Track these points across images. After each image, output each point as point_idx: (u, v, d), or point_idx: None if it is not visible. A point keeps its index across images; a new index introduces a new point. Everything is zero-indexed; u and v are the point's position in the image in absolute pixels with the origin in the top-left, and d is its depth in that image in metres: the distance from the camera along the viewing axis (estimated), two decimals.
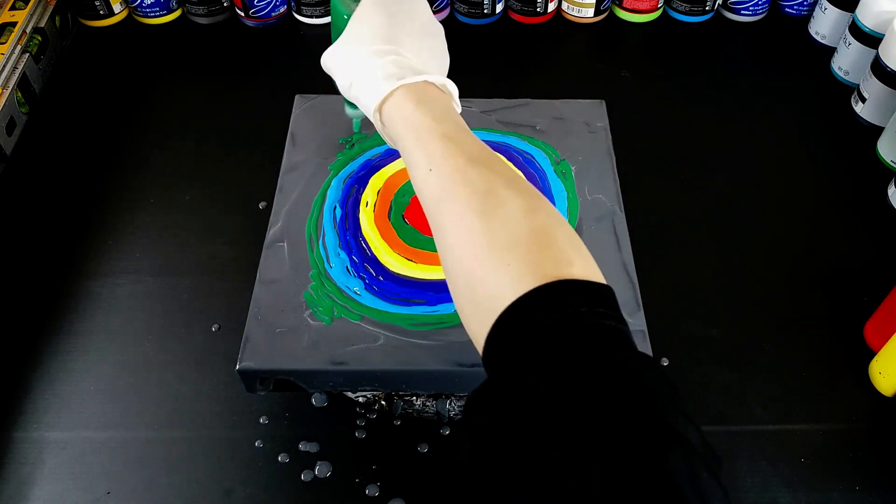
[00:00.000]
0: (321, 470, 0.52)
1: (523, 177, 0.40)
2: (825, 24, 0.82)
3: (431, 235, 0.54)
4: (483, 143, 0.43)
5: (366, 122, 0.55)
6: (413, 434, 0.53)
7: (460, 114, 0.45)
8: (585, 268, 0.37)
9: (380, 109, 0.45)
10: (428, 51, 0.48)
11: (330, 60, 0.49)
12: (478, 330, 0.37)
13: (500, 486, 0.29)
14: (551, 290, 0.34)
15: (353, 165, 0.59)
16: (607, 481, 0.26)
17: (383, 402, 0.54)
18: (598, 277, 0.37)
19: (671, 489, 0.26)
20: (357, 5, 0.49)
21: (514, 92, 0.66)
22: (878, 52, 0.71)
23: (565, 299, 0.34)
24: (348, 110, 0.57)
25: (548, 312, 0.34)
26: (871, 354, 0.57)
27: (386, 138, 0.47)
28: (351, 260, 0.53)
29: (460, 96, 0.64)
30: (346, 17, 0.50)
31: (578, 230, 0.55)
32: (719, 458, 0.30)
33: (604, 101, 0.65)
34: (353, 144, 0.61)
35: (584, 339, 0.33)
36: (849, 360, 0.58)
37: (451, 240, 0.39)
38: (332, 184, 0.58)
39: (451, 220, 0.39)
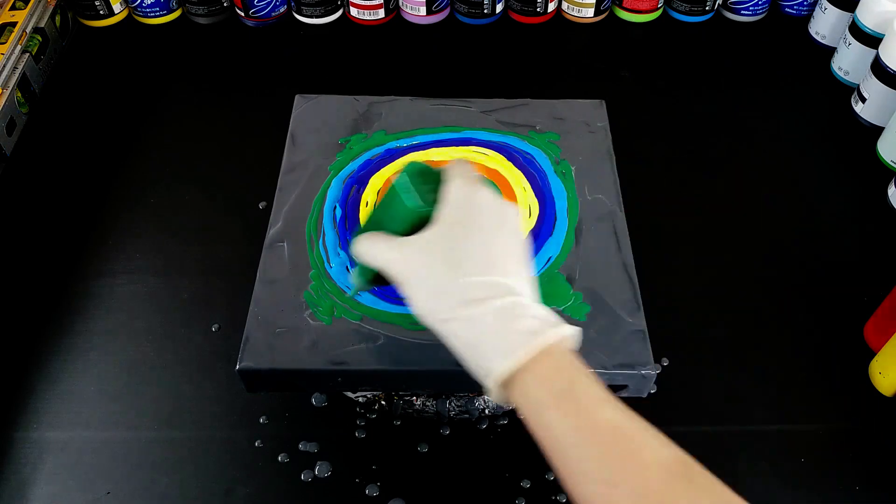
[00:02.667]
0: (321, 470, 0.52)
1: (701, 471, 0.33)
2: (825, 24, 0.82)
3: None
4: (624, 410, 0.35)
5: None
6: (413, 434, 0.53)
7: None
8: None
9: (506, 381, 0.36)
10: (530, 277, 0.40)
11: (402, 270, 0.39)
12: None
13: None
14: None
15: (353, 165, 0.59)
16: None
17: (383, 402, 0.54)
18: None
19: None
20: (435, 198, 0.40)
21: (514, 92, 0.66)
22: (878, 52, 0.71)
23: None
24: (357, 279, 0.46)
25: None
26: (871, 354, 0.57)
27: (497, 399, 0.37)
28: (351, 260, 0.53)
29: (461, 96, 0.64)
30: (417, 209, 0.40)
31: (578, 230, 0.55)
32: None
33: (604, 101, 0.65)
34: (352, 147, 0.61)
35: None
36: (849, 360, 0.58)
37: None
38: (332, 184, 0.58)
39: None
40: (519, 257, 0.39)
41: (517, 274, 0.38)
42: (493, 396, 0.37)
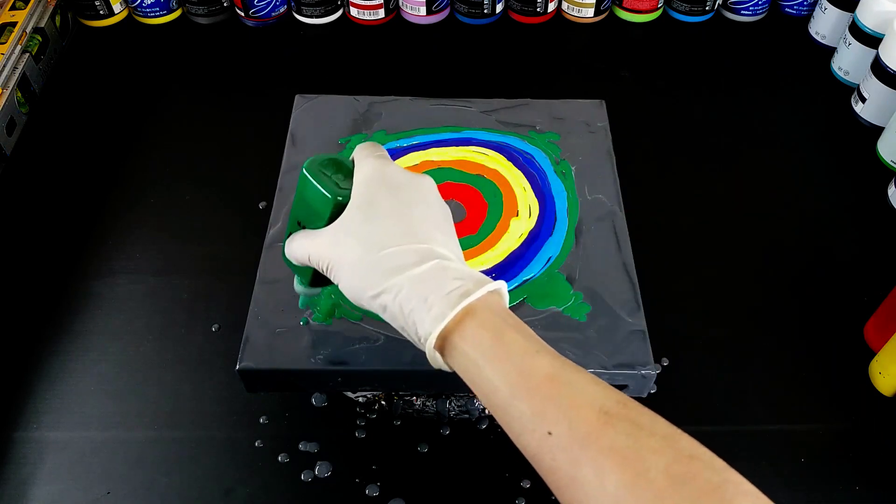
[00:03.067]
0: (321, 470, 0.52)
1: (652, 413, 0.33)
2: (825, 24, 0.82)
3: None
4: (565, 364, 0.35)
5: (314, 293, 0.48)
6: (413, 434, 0.53)
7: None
8: None
9: (442, 336, 0.36)
10: (453, 240, 0.40)
11: (335, 260, 0.39)
12: None
13: None
14: None
15: None
16: None
17: (383, 402, 0.54)
18: None
19: None
20: (349, 184, 0.41)
21: (514, 92, 0.66)
22: (878, 52, 0.71)
23: None
24: (298, 286, 0.47)
25: None
26: (871, 354, 0.57)
27: (437, 365, 0.38)
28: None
29: (461, 96, 0.64)
30: (332, 198, 0.40)
31: (578, 230, 0.55)
32: None
33: (604, 101, 0.65)
34: (352, 147, 0.61)
35: None
36: (849, 360, 0.58)
37: (590, 498, 0.31)
38: None
39: (586, 477, 0.31)
40: (437, 223, 0.40)
41: (435, 239, 0.38)
42: (432, 363, 0.37)
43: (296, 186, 0.42)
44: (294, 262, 0.43)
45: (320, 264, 0.40)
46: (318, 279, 0.44)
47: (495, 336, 0.35)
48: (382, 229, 0.38)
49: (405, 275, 0.37)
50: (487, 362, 0.35)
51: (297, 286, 0.47)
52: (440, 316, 0.35)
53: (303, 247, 0.41)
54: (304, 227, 0.43)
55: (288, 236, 0.43)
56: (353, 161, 0.42)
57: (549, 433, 0.32)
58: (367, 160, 0.41)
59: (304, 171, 0.41)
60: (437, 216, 0.40)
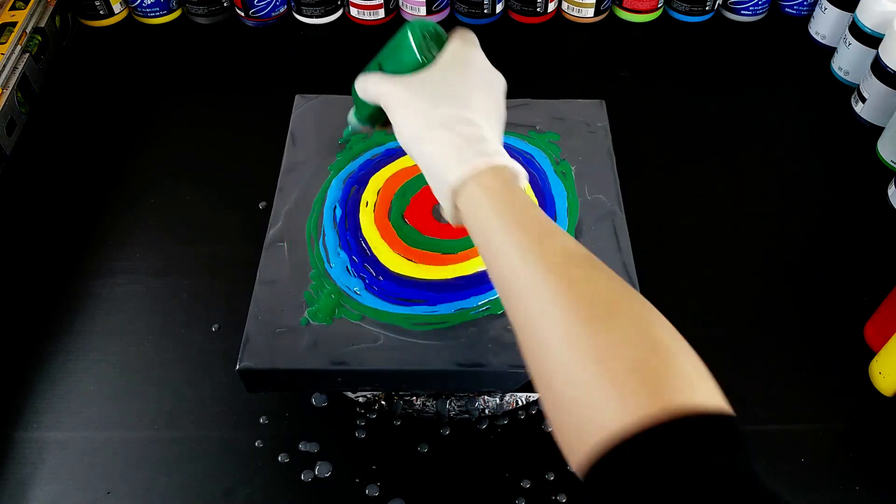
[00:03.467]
0: (321, 470, 0.52)
1: (621, 279, 0.37)
2: (825, 24, 0.82)
3: (431, 235, 0.54)
4: (568, 234, 0.40)
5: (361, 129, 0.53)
6: (413, 434, 0.53)
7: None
8: (709, 393, 0.32)
9: (457, 189, 0.41)
10: (499, 128, 0.46)
11: (399, 100, 0.45)
12: (575, 444, 0.33)
13: None
14: (677, 426, 0.30)
15: (353, 165, 0.59)
16: None
17: (383, 402, 0.54)
18: (722, 403, 0.33)
19: None
20: (436, 53, 0.46)
21: (514, 92, 0.66)
22: (878, 52, 0.71)
23: (692, 439, 0.30)
24: (353, 118, 0.52)
25: (674, 453, 0.30)
26: (871, 354, 0.57)
27: (451, 219, 0.43)
28: (351, 260, 0.53)
29: None
30: (419, 59, 0.46)
31: (578, 230, 0.55)
32: None
33: (604, 101, 0.65)
34: (352, 147, 0.61)
35: (715, 487, 0.29)
36: (849, 360, 0.58)
37: (552, 347, 0.34)
38: (332, 184, 0.58)
39: (551, 325, 0.35)
40: (492, 110, 0.45)
41: (486, 120, 0.44)
42: (447, 213, 0.43)
43: (387, 45, 0.48)
44: (362, 97, 0.48)
45: (387, 102, 0.46)
46: (373, 118, 0.50)
47: (508, 189, 0.40)
48: (448, 94, 0.44)
49: (451, 132, 0.42)
50: (492, 206, 0.40)
51: (352, 117, 0.52)
52: (464, 163, 0.41)
53: (378, 84, 0.46)
54: (383, 71, 0.47)
55: (365, 72, 0.48)
56: (448, 37, 0.48)
57: (525, 261, 0.37)
58: (460, 41, 0.47)
59: (408, 30, 0.46)
60: (493, 106, 0.46)
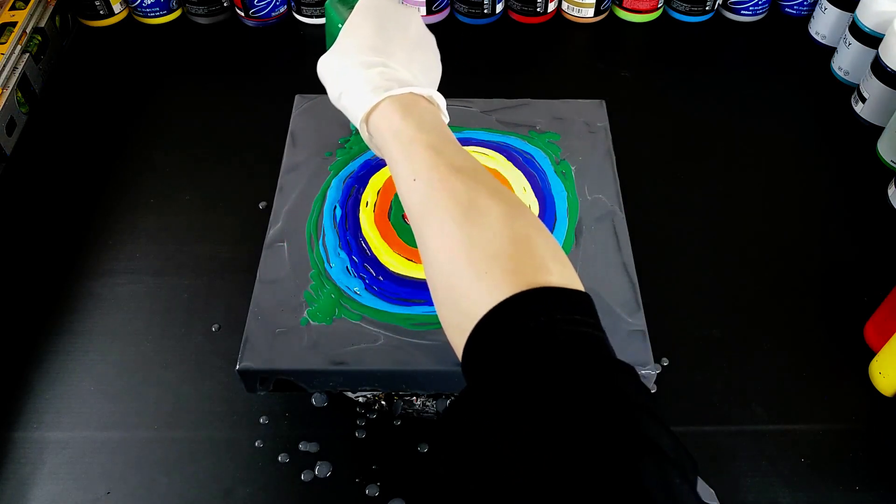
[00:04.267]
0: (321, 470, 0.52)
1: (506, 188, 0.41)
2: (825, 24, 0.82)
3: None
4: (469, 153, 0.43)
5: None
6: (413, 434, 0.53)
7: (456, 124, 0.47)
8: (563, 275, 0.37)
9: (367, 120, 0.46)
10: (418, 63, 0.49)
11: (322, 69, 0.50)
12: (457, 338, 0.37)
13: (478, 495, 0.30)
14: (527, 297, 0.34)
15: (353, 165, 0.59)
16: (581, 489, 0.27)
17: (383, 402, 0.54)
18: (577, 285, 0.37)
19: (643, 496, 0.27)
20: (349, 14, 0.50)
21: (514, 92, 0.66)
22: (878, 52, 0.71)
23: (541, 307, 0.34)
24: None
25: (524, 320, 0.34)
26: (871, 354, 0.57)
27: (373, 148, 0.48)
28: (351, 260, 0.53)
29: (461, 96, 0.64)
30: (339, 25, 0.50)
31: (578, 230, 0.55)
32: (695, 464, 0.31)
33: (604, 101, 0.65)
34: (352, 147, 0.61)
35: (559, 348, 0.33)
36: (849, 360, 0.58)
37: (433, 249, 0.39)
38: (332, 184, 0.58)
39: (433, 229, 0.39)
40: (404, 46, 0.49)
41: (396, 57, 0.47)
42: (365, 139, 0.47)
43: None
44: (321, 80, 0.51)
45: (325, 77, 0.49)
46: None
47: (404, 114, 0.44)
48: (355, 44, 0.48)
49: (359, 76, 0.46)
50: (394, 134, 0.43)
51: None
52: (369, 101, 0.45)
53: (322, 63, 0.50)
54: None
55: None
56: None
57: (415, 177, 0.41)
58: None
59: (326, 5, 0.53)
60: (408, 41, 0.49)
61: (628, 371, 0.34)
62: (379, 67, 0.46)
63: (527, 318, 0.34)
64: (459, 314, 0.37)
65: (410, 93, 0.45)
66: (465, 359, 0.36)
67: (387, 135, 0.44)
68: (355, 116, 0.46)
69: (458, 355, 0.37)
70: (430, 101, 0.46)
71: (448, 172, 0.41)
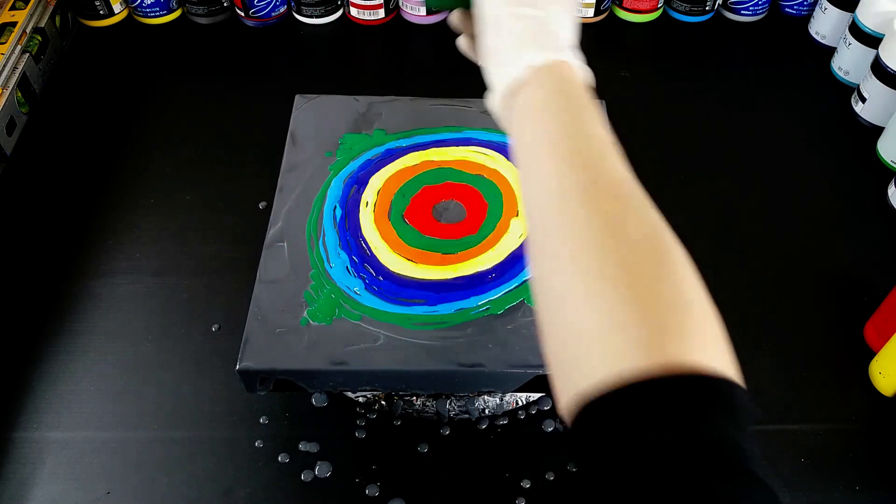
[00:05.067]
0: (321, 470, 0.52)
1: (663, 222, 0.35)
2: (825, 24, 0.82)
3: (431, 235, 0.54)
4: (620, 157, 0.38)
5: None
6: (413, 434, 0.53)
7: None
8: (717, 356, 0.31)
9: (510, 90, 0.38)
10: (568, 14, 0.41)
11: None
12: (564, 382, 0.32)
13: None
14: (668, 383, 0.28)
15: (353, 165, 0.59)
16: None
17: (383, 402, 0.54)
18: (730, 370, 0.31)
19: None
20: None
21: None
22: (878, 52, 0.71)
23: (680, 400, 0.28)
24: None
25: (655, 411, 0.28)
26: (871, 354, 0.57)
27: (501, 120, 0.41)
28: (351, 260, 0.53)
29: (461, 96, 0.64)
30: None
31: None
32: None
33: (604, 101, 0.65)
34: (352, 147, 0.61)
35: (693, 466, 0.27)
36: (849, 360, 0.58)
37: (561, 275, 0.33)
38: (332, 184, 0.58)
39: (566, 251, 0.33)
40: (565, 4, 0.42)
41: (556, 12, 0.40)
42: (493, 104, 0.41)
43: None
44: None
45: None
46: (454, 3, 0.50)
47: (566, 87, 0.37)
48: None
49: (526, 15, 0.39)
50: (539, 120, 0.37)
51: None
52: (517, 70, 0.38)
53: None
54: None
55: None
56: None
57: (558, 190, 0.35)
58: None
59: None
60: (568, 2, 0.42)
61: (756, 481, 0.28)
62: (532, 20, 0.39)
63: (662, 409, 0.28)
64: (578, 361, 0.31)
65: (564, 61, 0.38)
66: (577, 420, 0.30)
67: (533, 115, 0.38)
68: (495, 83, 0.40)
69: (560, 396, 0.32)
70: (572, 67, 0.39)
71: (601, 195, 0.35)
